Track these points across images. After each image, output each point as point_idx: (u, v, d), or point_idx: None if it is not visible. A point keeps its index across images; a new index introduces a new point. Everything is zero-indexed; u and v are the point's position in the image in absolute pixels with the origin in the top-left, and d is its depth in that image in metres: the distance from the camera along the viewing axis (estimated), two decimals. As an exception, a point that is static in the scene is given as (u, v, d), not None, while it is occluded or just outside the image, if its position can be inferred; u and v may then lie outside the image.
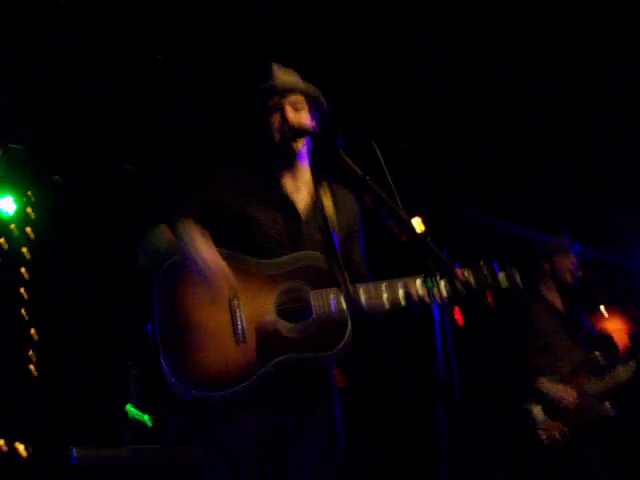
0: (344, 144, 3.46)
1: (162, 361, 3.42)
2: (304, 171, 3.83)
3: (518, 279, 3.63)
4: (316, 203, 3.78)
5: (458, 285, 3.47)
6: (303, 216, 3.73)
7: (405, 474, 7.16)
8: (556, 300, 5.94)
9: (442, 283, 3.48)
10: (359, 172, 3.40)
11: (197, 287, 3.46)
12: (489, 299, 5.84)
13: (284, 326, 3.47)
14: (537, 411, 5.46)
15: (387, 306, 3.56)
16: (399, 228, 3.29)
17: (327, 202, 3.78)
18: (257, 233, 3.63)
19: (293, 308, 3.49)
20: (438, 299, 3.31)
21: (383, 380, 7.10)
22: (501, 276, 3.62)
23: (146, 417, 6.36)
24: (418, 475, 7.04)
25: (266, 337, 3.44)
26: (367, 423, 6.96)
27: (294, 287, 3.52)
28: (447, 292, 3.50)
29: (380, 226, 3.43)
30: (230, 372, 3.40)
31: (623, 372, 5.63)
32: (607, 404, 5.55)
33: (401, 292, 3.55)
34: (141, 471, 5.70)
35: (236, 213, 3.65)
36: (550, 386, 5.50)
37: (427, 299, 3.50)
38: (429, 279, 3.33)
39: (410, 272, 3.58)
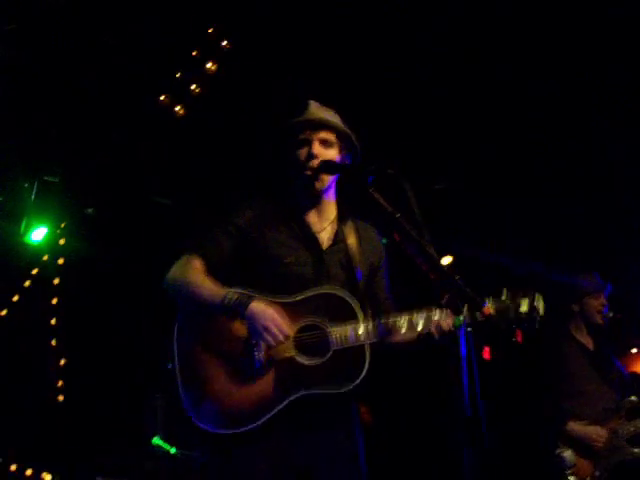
0: (374, 182, 3.47)
1: (182, 398, 3.48)
2: (329, 208, 3.85)
3: (539, 304, 3.64)
4: (340, 240, 3.80)
5: (484, 320, 3.50)
6: (326, 253, 3.75)
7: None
8: (587, 341, 5.89)
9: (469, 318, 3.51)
10: (389, 209, 3.41)
11: (218, 326, 3.53)
12: (519, 338, 5.83)
13: (303, 361, 3.49)
14: (568, 455, 5.40)
15: (406, 338, 3.60)
16: (428, 266, 3.30)
17: (351, 240, 3.80)
18: (280, 271, 3.66)
19: (312, 343, 3.51)
20: (466, 335, 3.31)
21: (407, 416, 7.06)
22: (523, 300, 3.63)
23: (173, 450, 6.37)
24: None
25: (284, 373, 3.47)
26: (391, 458, 6.91)
27: (313, 322, 3.55)
28: (474, 329, 3.52)
29: (409, 264, 3.44)
30: (248, 409, 3.43)
31: None
32: (637, 448, 5.48)
33: (420, 324, 3.57)
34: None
35: (260, 250, 3.69)
36: (580, 428, 5.45)
37: (446, 328, 3.53)
38: (458, 317, 3.34)
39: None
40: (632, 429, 5.52)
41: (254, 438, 3.42)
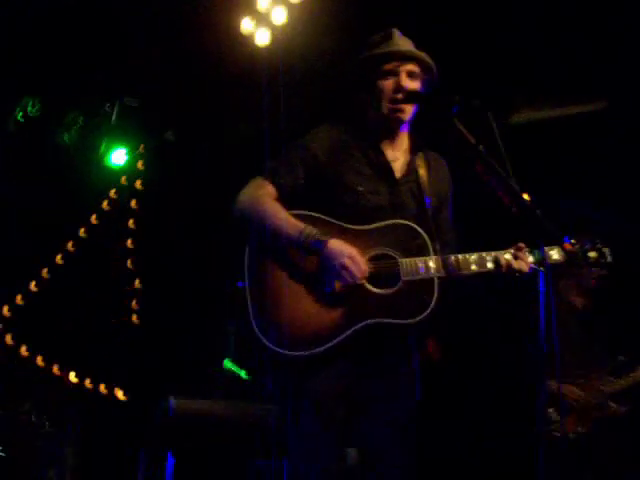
0: (458, 112, 3.43)
1: (251, 319, 3.49)
2: (403, 139, 3.83)
3: (608, 256, 3.62)
4: (412, 171, 3.77)
5: (561, 255, 3.52)
6: (399, 183, 3.73)
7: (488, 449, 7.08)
8: (577, 300, 5.81)
9: (551, 254, 3.52)
10: (472, 141, 3.38)
11: (290, 249, 3.54)
12: (593, 281, 5.75)
13: (372, 291, 3.49)
14: (550, 411, 5.40)
15: (475, 276, 3.57)
16: (510, 199, 3.27)
17: (422, 171, 3.77)
18: (354, 199, 3.64)
19: (382, 274, 3.50)
20: (544, 270, 3.29)
21: (475, 352, 7.00)
22: (592, 252, 3.62)
23: (243, 372, 6.47)
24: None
25: (354, 300, 3.47)
26: (455, 394, 6.90)
27: (384, 253, 3.54)
28: (550, 260, 3.51)
29: (486, 195, 3.41)
30: (317, 332, 3.45)
31: None
32: (615, 404, 5.45)
33: (490, 264, 3.54)
34: (234, 425, 5.80)
35: (334, 177, 3.68)
36: (556, 386, 5.47)
37: (517, 270, 3.50)
38: (537, 251, 3.32)
39: (512, 241, 3.57)
40: (617, 387, 5.48)
41: (320, 362, 3.45)
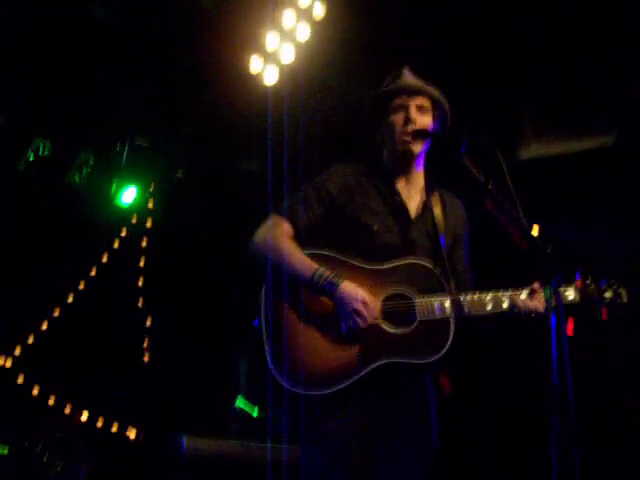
0: (467, 150, 3.45)
1: (267, 358, 3.49)
2: (418, 177, 3.84)
3: (624, 296, 3.62)
4: (426, 210, 3.79)
5: (576, 295, 3.55)
6: (414, 223, 3.74)
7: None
8: None
9: (564, 291, 3.55)
10: (481, 178, 3.40)
11: (306, 290, 3.55)
12: (604, 314, 5.74)
13: (388, 329, 3.49)
14: None
15: (490, 316, 3.58)
16: (520, 235, 3.28)
17: (437, 210, 3.78)
18: (369, 238, 3.66)
19: (397, 312, 3.51)
20: (554, 308, 3.28)
21: (489, 388, 6.99)
22: (607, 292, 3.62)
23: (255, 410, 6.46)
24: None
25: (369, 340, 3.47)
26: (469, 430, 6.88)
27: (400, 291, 3.54)
28: (564, 301, 3.52)
29: (497, 233, 3.42)
30: (331, 372, 3.45)
31: None
32: None
33: (506, 304, 3.56)
34: (248, 465, 5.79)
35: (349, 216, 3.70)
36: None
37: (533, 310, 3.53)
38: (548, 287, 3.31)
39: (523, 279, 3.58)
40: None
41: (336, 401, 3.45)
